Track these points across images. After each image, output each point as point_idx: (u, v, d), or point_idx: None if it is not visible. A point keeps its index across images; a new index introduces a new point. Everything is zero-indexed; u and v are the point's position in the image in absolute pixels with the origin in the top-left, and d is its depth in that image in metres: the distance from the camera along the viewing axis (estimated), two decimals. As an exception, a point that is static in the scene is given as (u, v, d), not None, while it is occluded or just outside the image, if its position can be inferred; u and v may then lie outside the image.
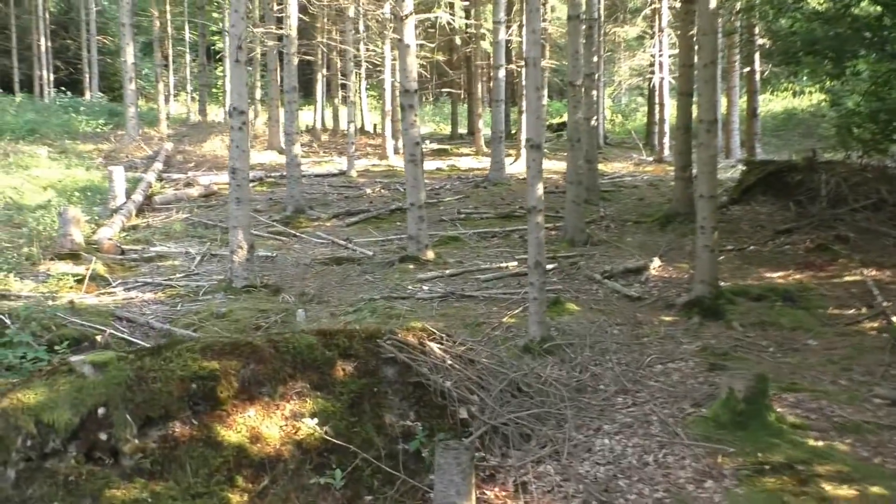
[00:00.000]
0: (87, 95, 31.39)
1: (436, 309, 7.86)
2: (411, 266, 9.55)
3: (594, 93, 14.19)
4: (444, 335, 5.17)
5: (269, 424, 3.75)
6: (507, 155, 20.67)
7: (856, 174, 12.80)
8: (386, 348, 4.41)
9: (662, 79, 20.93)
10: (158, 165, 17.59)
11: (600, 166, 20.98)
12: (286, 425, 3.80)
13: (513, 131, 25.39)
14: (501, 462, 4.26)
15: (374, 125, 31.80)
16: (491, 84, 23.68)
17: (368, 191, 16.12)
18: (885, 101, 13.17)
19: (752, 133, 17.83)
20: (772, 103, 32.35)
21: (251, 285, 8.65)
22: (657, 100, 22.21)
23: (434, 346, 4.88)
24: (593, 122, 14.57)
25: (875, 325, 6.98)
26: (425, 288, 8.45)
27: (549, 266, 9.42)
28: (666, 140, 21.59)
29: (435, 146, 26.87)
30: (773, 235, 11.49)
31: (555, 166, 19.02)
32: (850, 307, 7.60)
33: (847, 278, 8.77)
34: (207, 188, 15.70)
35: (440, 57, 26.84)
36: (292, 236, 12.12)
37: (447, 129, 34.36)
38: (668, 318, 7.40)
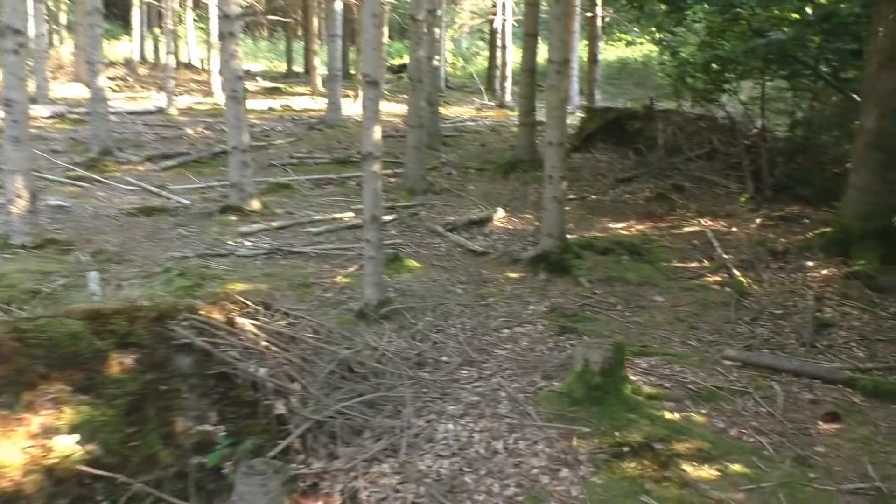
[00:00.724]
0: None
1: (259, 268, 6.92)
2: (233, 218, 8.48)
3: (436, 31, 13.42)
4: (260, 306, 4.32)
5: (6, 448, 2.78)
6: (345, 96, 19.59)
7: (690, 123, 13.03)
8: (179, 332, 3.51)
9: (505, 21, 20.51)
10: None
11: (441, 110, 20.43)
12: (33, 446, 2.85)
13: (351, 71, 24.19)
14: (327, 466, 3.54)
15: (202, 60, 29.28)
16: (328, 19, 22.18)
17: (189, 131, 14.53)
18: (717, 51, 13.45)
19: (592, 80, 17.87)
20: (606, 52, 33.17)
21: (34, 242, 7.26)
22: (499, 42, 21.83)
23: (247, 322, 4.02)
24: (435, 62, 13.84)
25: (717, 278, 6.89)
26: (248, 243, 7.46)
27: (388, 217, 8.71)
28: (508, 85, 21.34)
29: (268, 84, 25.14)
30: (614, 184, 11.43)
31: (395, 109, 18.19)
32: (693, 260, 7.52)
33: (686, 229, 8.75)
34: None
35: (273, -15, 24.91)
36: (95, 182, 10.54)
37: (283, 67, 32.38)
38: (514, 275, 6.94)
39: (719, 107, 14.15)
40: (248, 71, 32.76)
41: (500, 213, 8.89)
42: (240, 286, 6.35)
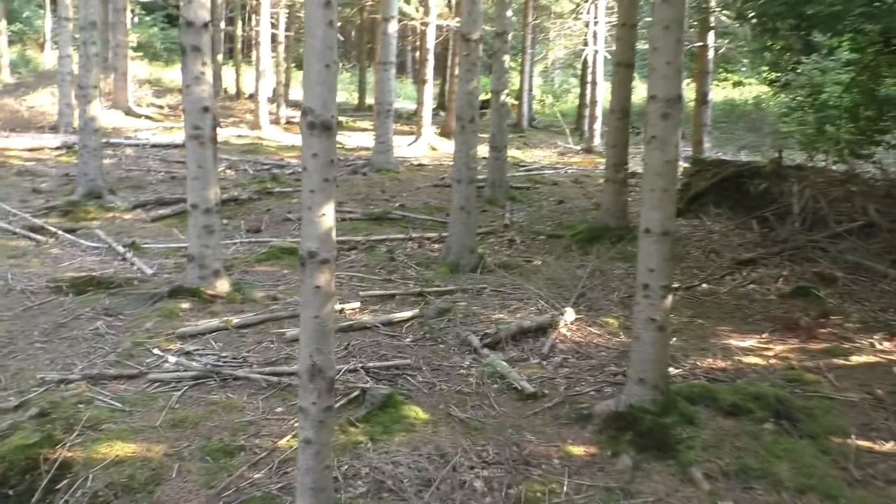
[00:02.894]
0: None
1: (172, 407, 4.46)
2: (184, 305, 6.10)
3: (504, 59, 10.94)
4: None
5: None
6: (409, 132, 17.41)
7: (835, 186, 9.99)
8: None
9: (596, 52, 17.88)
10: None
11: (518, 153, 17.90)
12: None
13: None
14: None
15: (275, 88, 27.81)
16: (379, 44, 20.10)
17: (207, 170, 12.45)
18: (869, 93, 10.49)
19: (700, 125, 14.92)
20: (711, 92, 30.03)
21: None
22: (589, 77, 19.19)
23: None
24: (505, 98, 11.35)
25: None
26: (171, 360, 5.00)
27: (405, 315, 6.17)
28: (598, 126, 18.63)
29: (331, 117, 23.22)
30: (733, 267, 8.53)
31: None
32: (882, 432, 4.58)
33: (855, 358, 5.79)
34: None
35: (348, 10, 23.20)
36: (52, 236, 8.45)
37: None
38: (578, 450, 4.20)
39: (874, 164, 11.06)
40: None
41: (568, 316, 6.18)
42: (118, 448, 3.92)
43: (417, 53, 26.22)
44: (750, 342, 6.15)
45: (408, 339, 5.77)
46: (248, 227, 9.41)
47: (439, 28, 16.96)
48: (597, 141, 18.55)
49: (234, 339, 5.58)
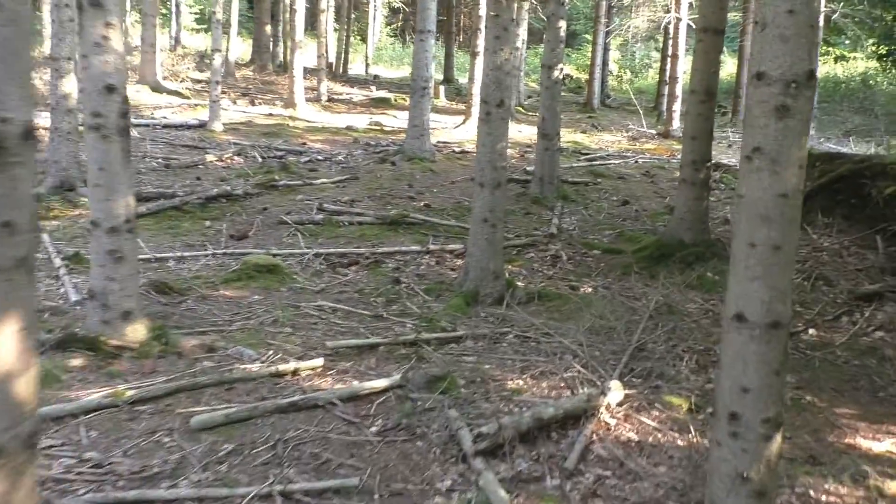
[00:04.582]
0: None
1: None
2: (75, 361, 4.46)
3: (560, 26, 8.93)
4: None
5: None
6: (459, 113, 15.62)
7: None
8: None
9: (679, 20, 15.53)
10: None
11: (581, 138, 15.81)
12: None
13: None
14: None
15: (330, 62, 26.32)
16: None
17: (211, 157, 10.90)
18: None
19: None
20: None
21: None
22: (670, 50, 16.88)
23: None
24: (559, 75, 9.34)
25: None
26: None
27: (382, 384, 4.40)
28: (677, 107, 16.34)
29: (382, 94, 21.53)
30: (851, 303, 6.45)
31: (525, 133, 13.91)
32: None
33: None
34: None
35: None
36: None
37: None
38: None
39: None
40: (376, 76, 29.65)
41: (613, 396, 4.27)
42: None
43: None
44: (884, 442, 4.14)
45: (373, 430, 3.98)
46: (231, 233, 7.79)
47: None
48: (675, 124, 16.27)
49: (119, 424, 3.91)
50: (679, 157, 13.32)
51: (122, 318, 4.64)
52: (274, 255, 7.04)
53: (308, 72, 22.09)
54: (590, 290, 6.60)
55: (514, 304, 6.07)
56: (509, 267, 7.04)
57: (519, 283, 6.53)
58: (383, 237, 7.83)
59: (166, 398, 4.16)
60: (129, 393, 4.11)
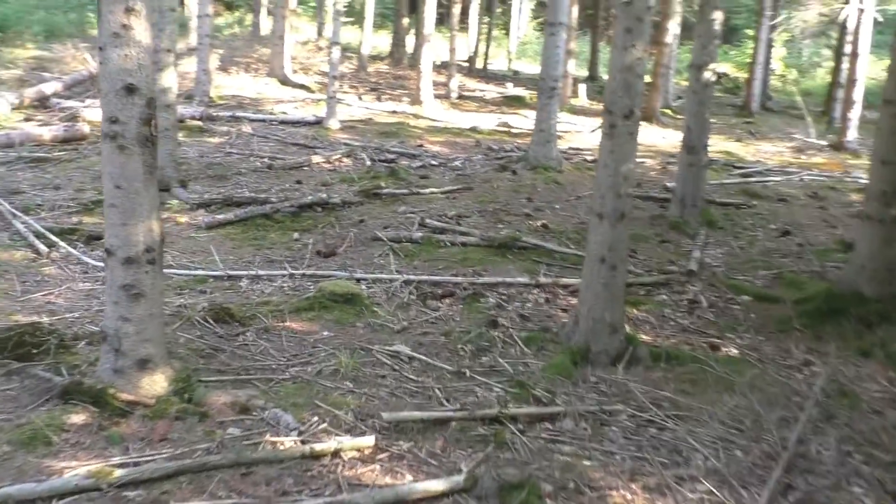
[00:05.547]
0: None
1: None
2: (75, 418, 3.70)
3: (714, 18, 7.49)
4: None
5: None
6: (599, 114, 14.27)
7: None
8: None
9: (861, 11, 13.41)
10: (53, 86, 12.53)
11: (737, 148, 14.04)
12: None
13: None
14: None
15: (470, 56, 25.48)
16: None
17: (317, 158, 10.21)
18: None
19: None
20: None
21: None
22: (848, 47, 14.71)
23: None
24: (710, 77, 7.89)
25: None
26: None
27: (439, 487, 3.38)
28: (854, 115, 14.17)
29: (517, 91, 20.41)
30: None
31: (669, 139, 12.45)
32: None
33: None
34: (77, 129, 10.35)
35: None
36: (53, 247, 6.54)
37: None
38: None
39: None
40: (516, 72, 28.49)
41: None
42: None
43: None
44: None
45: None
46: (318, 248, 6.99)
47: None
48: (851, 135, 14.13)
49: (97, 514, 3.10)
50: (854, 174, 11.45)
51: (138, 367, 3.84)
52: (357, 280, 6.16)
53: (441, 67, 21.36)
54: (735, 351, 5.25)
55: (634, 367, 4.85)
56: (633, 311, 5.80)
57: (643, 337, 5.30)
58: (488, 263, 6.76)
59: (163, 482, 3.31)
60: (118, 473, 3.28)
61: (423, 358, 4.88)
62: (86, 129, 10.35)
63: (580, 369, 4.82)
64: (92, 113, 11.37)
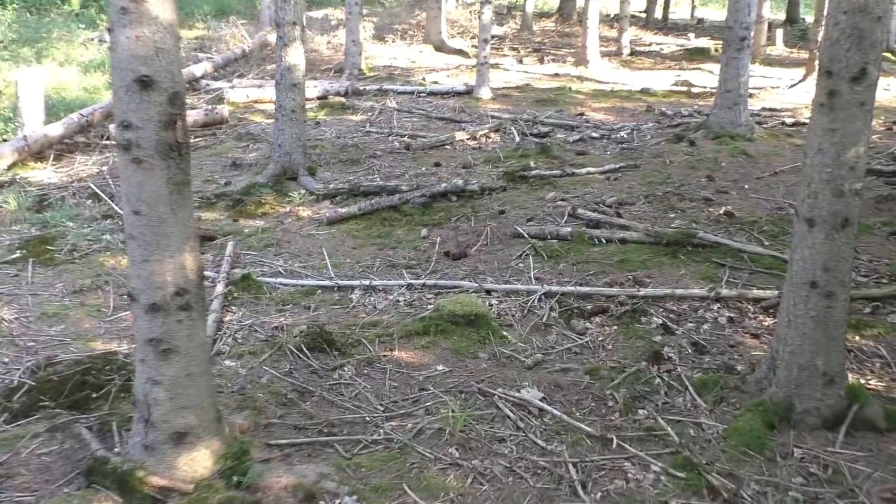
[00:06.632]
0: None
1: None
2: (96, 511, 2.94)
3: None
4: None
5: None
6: (800, 65, 12.32)
7: None
8: None
9: None
10: (202, 67, 12.32)
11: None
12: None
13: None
14: None
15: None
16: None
17: (461, 134, 9.12)
18: None
19: None
20: None
21: None
22: None
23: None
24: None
25: None
26: None
27: None
28: None
29: (700, 42, 18.23)
30: None
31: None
32: None
33: None
34: (218, 112, 9.96)
35: None
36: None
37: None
38: None
39: None
40: (700, 20, 25.76)
41: None
42: None
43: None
44: None
45: None
46: (447, 249, 5.96)
47: None
48: None
49: None
50: None
51: (174, 443, 3.01)
52: (487, 293, 5.08)
53: (613, 20, 19.51)
54: None
55: (862, 435, 3.45)
56: (854, 339, 4.31)
57: (872, 385, 3.82)
58: (653, 266, 5.43)
59: None
60: None
61: (558, 413, 3.73)
62: (226, 112, 9.94)
63: (778, 437, 3.49)
64: (235, 94, 11.01)
